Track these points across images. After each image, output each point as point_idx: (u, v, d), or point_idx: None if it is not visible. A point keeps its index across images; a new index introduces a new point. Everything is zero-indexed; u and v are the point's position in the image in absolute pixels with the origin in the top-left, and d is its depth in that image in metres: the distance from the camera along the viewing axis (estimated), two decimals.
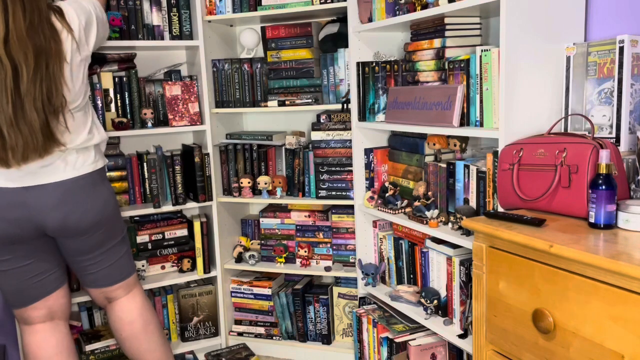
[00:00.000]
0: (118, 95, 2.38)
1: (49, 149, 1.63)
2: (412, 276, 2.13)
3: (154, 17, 2.40)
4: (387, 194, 2.14)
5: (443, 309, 1.95)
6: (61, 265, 1.92)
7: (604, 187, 1.24)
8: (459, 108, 1.75)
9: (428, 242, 2.00)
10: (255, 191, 2.58)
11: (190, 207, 2.58)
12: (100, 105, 2.32)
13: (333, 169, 2.41)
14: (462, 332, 1.83)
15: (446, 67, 1.84)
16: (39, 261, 1.82)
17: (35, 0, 1.56)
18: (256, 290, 2.63)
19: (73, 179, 1.73)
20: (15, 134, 1.55)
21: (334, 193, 2.42)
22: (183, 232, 2.57)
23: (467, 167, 1.82)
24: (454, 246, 1.86)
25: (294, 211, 2.57)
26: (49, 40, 1.60)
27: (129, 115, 2.41)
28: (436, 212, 1.93)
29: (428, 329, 2.04)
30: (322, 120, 2.43)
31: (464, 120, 1.76)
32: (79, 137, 1.74)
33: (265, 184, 2.51)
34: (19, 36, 1.52)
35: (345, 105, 2.33)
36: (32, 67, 1.54)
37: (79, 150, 1.75)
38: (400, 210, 2.09)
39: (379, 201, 2.19)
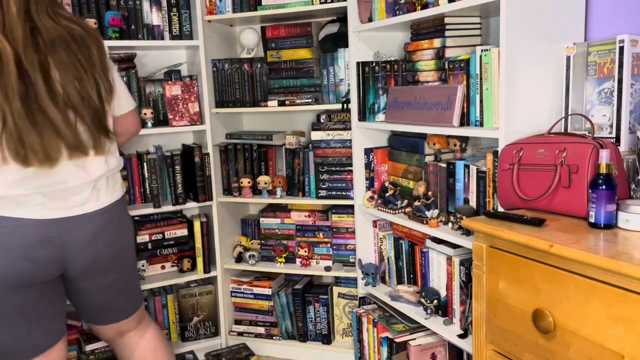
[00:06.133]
0: None
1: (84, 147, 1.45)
2: (412, 276, 2.13)
3: (154, 17, 2.40)
4: (387, 194, 2.13)
5: (443, 309, 1.95)
6: (64, 311, 1.61)
7: (604, 187, 1.24)
8: (459, 108, 1.75)
9: (428, 242, 2.00)
10: (255, 191, 2.58)
11: (190, 207, 2.58)
12: None
13: (333, 168, 2.41)
14: (462, 332, 1.83)
15: (446, 67, 1.84)
16: (46, 306, 1.51)
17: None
18: (256, 290, 2.63)
19: (106, 208, 1.52)
20: (28, 129, 1.36)
21: (334, 193, 2.42)
22: (183, 232, 2.57)
23: (467, 167, 1.81)
24: (454, 246, 1.86)
25: (294, 211, 2.57)
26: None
27: None
28: (436, 212, 1.93)
29: (428, 329, 2.04)
30: (322, 120, 2.43)
31: (464, 120, 1.76)
32: (114, 158, 1.56)
33: (266, 183, 2.51)
34: (13, 20, 1.35)
35: (345, 105, 2.33)
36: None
37: (109, 177, 1.54)
38: (400, 210, 2.09)
39: (379, 201, 2.19)
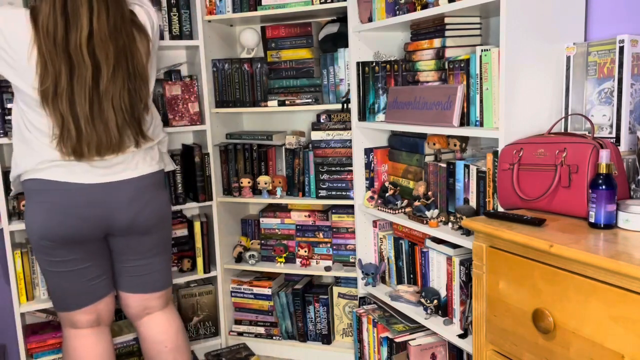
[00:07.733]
0: None
1: (124, 147, 1.68)
2: (412, 276, 2.13)
3: None
4: (387, 194, 2.14)
5: (443, 309, 1.95)
6: (111, 271, 1.87)
7: (604, 187, 1.24)
8: (459, 108, 1.75)
9: (428, 242, 2.00)
10: (255, 191, 2.58)
11: (190, 207, 2.58)
12: None
13: (333, 168, 2.41)
14: (462, 332, 1.83)
15: (446, 67, 1.84)
16: (95, 265, 1.79)
17: (117, 2, 1.61)
18: (256, 290, 2.63)
19: (143, 177, 1.76)
20: (91, 130, 1.60)
21: (334, 193, 2.42)
22: (183, 232, 2.57)
23: (467, 167, 1.82)
24: (454, 246, 1.86)
25: (294, 211, 2.57)
26: (130, 41, 1.65)
27: None
28: (436, 212, 1.93)
29: (428, 329, 2.04)
30: (322, 120, 2.43)
31: (464, 120, 1.76)
32: (147, 137, 1.78)
33: (266, 183, 2.51)
34: (102, 36, 1.57)
35: (345, 105, 2.34)
36: (112, 67, 1.59)
37: (146, 150, 1.78)
38: (400, 210, 2.09)
39: (379, 201, 2.19)
